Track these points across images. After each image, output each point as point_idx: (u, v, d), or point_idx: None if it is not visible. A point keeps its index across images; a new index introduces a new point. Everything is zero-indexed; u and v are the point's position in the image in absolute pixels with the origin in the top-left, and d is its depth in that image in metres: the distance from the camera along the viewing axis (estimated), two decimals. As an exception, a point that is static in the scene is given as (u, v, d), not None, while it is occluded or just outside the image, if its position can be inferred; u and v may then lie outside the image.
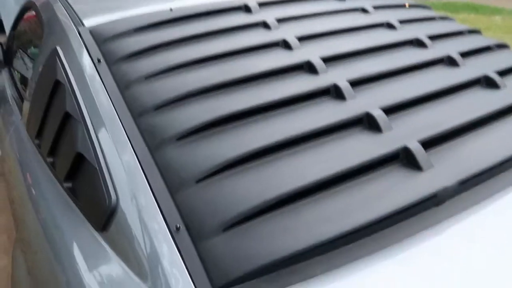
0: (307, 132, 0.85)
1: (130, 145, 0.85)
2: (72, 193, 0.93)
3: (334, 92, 0.97)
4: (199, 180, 0.76)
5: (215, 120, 0.85)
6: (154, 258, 0.70)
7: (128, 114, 0.91)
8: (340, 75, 1.01)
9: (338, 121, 0.89)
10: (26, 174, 1.20)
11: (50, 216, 0.94)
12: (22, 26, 1.98)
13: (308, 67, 1.03)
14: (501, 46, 1.33)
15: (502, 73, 1.13)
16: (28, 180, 1.16)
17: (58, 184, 0.99)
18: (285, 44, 1.12)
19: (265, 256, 0.65)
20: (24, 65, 1.86)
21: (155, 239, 0.72)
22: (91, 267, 0.78)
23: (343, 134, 0.88)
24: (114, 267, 0.75)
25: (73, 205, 0.92)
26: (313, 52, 1.07)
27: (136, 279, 0.71)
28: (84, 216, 0.87)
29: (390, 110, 0.93)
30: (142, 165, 0.81)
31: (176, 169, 0.78)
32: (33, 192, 1.08)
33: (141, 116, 0.89)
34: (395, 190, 0.77)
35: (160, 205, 0.75)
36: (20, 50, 1.97)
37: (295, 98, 0.94)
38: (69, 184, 0.94)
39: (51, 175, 1.04)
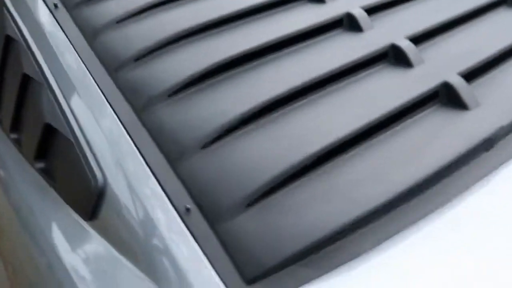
0: (326, 74, 0.69)
1: (110, 107, 0.68)
2: (46, 174, 0.76)
3: (348, 23, 0.81)
4: (205, 145, 0.61)
5: (213, 68, 0.68)
6: (161, 249, 0.56)
7: (102, 69, 0.73)
8: (351, 2, 0.84)
9: (359, 57, 0.73)
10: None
11: (24, 206, 0.78)
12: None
13: (313, -5, 0.86)
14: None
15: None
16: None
17: (27, 165, 0.81)
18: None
19: (306, 234, 0.52)
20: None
21: (159, 225, 0.57)
22: (83, 264, 0.64)
23: (368, 73, 0.73)
24: (114, 264, 0.61)
25: (50, 189, 0.76)
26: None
27: (142, 276, 0.57)
28: (66, 202, 0.71)
29: (416, 40, 0.78)
30: (129, 132, 0.65)
31: (173, 134, 0.63)
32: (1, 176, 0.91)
33: (119, 71, 0.72)
34: (441, 136, 0.64)
35: (160, 181, 0.60)
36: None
37: (303, 34, 0.77)
38: (40, 164, 0.77)
39: (18, 154, 0.86)
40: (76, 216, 0.69)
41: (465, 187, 0.61)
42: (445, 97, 0.70)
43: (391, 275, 0.52)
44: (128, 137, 0.64)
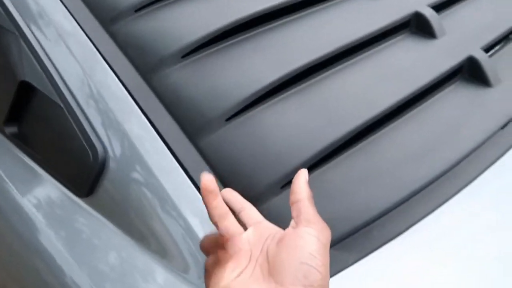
0: (354, 41, 0.63)
1: (107, 67, 0.57)
2: (21, 141, 0.64)
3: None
4: (230, 117, 0.53)
5: (236, 25, 0.59)
6: (179, 228, 0.50)
7: (93, 19, 0.61)
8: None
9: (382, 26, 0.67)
10: None
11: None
12: None
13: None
14: None
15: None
16: None
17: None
18: None
19: (354, 216, 0.49)
20: None
21: (175, 202, 0.50)
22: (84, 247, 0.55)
23: (391, 42, 0.68)
24: (122, 245, 0.53)
25: (24, 158, 0.65)
26: None
27: (158, 261, 0.51)
28: (50, 175, 0.61)
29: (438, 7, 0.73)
30: (135, 97, 0.55)
31: (191, 103, 0.54)
32: None
33: (116, 22, 0.60)
34: (472, 113, 0.62)
35: (178, 155, 0.52)
36: None
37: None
38: (12, 129, 0.65)
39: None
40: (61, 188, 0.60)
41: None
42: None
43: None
44: (133, 103, 0.54)
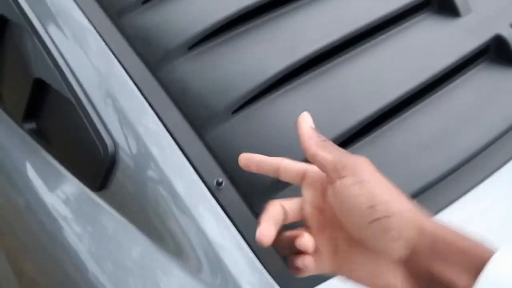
0: (365, 26, 0.60)
1: (116, 61, 0.57)
2: (39, 136, 0.66)
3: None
4: (237, 109, 0.52)
5: (242, 13, 0.57)
6: (190, 229, 0.49)
7: (101, 12, 0.61)
8: None
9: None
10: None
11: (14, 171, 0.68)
12: None
13: None
14: None
15: None
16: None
17: (13, 124, 0.70)
18: None
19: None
20: None
21: (183, 197, 0.50)
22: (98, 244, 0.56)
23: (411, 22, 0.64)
24: (138, 241, 0.53)
25: (42, 152, 0.66)
26: None
27: (170, 258, 0.51)
28: (67, 169, 0.62)
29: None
30: (143, 91, 0.55)
31: (198, 96, 0.53)
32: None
33: (123, 16, 0.60)
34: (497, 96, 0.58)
35: (184, 149, 0.51)
36: None
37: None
38: (31, 125, 0.66)
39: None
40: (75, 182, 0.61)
41: None
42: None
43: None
44: (142, 97, 0.54)
